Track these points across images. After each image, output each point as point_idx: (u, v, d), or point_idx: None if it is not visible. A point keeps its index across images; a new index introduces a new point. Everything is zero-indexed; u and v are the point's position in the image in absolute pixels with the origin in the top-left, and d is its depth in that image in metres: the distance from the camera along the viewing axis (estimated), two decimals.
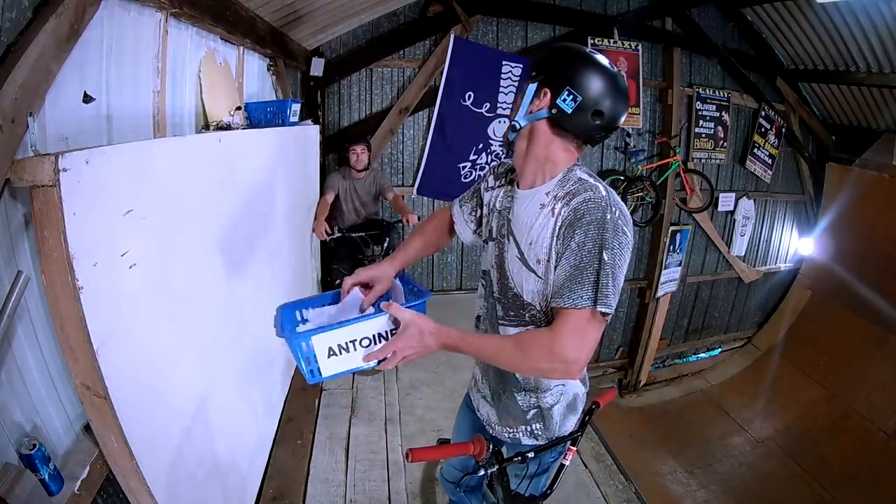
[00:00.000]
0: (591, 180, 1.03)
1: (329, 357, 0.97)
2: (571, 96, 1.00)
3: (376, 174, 3.71)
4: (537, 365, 1.00)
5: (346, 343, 0.98)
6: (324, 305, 1.21)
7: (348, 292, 1.18)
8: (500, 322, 1.17)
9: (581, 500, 2.31)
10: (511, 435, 1.26)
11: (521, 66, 4.36)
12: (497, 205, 1.19)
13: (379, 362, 1.00)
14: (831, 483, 4.21)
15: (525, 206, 1.09)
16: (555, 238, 1.00)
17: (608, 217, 0.95)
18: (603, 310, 0.95)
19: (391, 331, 1.01)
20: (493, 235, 1.19)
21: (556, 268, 1.00)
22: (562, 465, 1.34)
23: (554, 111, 1.02)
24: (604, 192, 0.99)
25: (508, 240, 1.13)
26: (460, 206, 1.35)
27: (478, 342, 1.05)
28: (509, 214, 1.14)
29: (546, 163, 1.07)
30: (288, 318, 1.15)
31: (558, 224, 1.00)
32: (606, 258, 0.94)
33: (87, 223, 1.02)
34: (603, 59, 1.03)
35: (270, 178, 2.44)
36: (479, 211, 1.31)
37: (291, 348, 0.97)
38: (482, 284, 1.26)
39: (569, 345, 0.95)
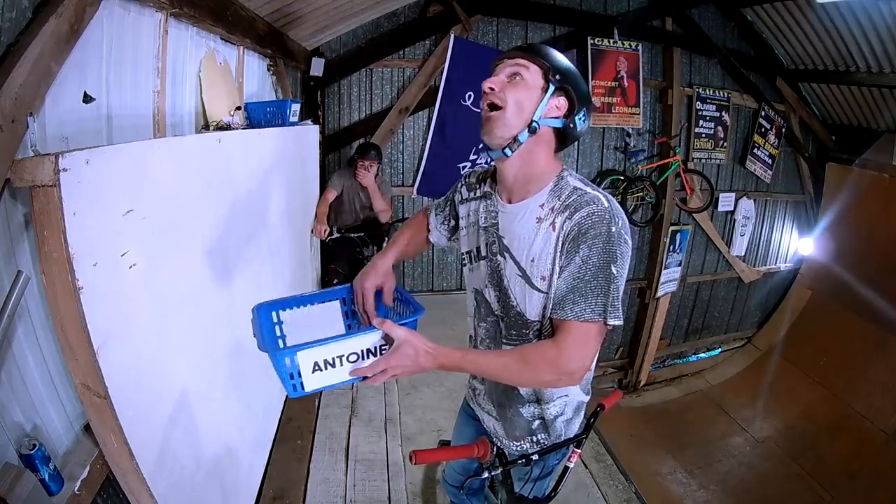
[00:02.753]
0: (589, 189, 1.01)
1: (314, 372, 0.94)
2: (587, 117, 1.06)
3: (383, 184, 3.68)
4: (543, 378, 1.00)
5: (333, 359, 0.94)
6: (301, 307, 1.17)
7: (373, 297, 1.17)
8: (503, 340, 1.15)
9: (581, 500, 2.31)
10: (518, 447, 1.25)
11: None
12: (481, 221, 1.15)
13: (364, 378, 0.96)
14: (831, 483, 4.21)
15: (518, 221, 1.06)
16: (557, 252, 0.99)
17: (613, 230, 0.95)
18: (614, 322, 0.96)
19: (381, 347, 0.97)
20: (484, 254, 1.14)
21: (558, 280, 0.99)
22: (566, 468, 1.33)
23: (571, 125, 1.04)
24: (606, 204, 0.97)
25: (504, 257, 1.09)
26: (435, 214, 1.34)
27: (481, 360, 1.02)
28: (498, 231, 1.10)
29: (539, 173, 1.05)
30: (265, 323, 1.12)
31: (560, 238, 0.98)
32: (614, 271, 0.95)
33: (87, 223, 1.02)
34: None
35: (270, 178, 2.44)
36: (451, 221, 1.30)
37: (274, 363, 0.92)
38: (474, 305, 1.22)
39: (574, 356, 0.95)
